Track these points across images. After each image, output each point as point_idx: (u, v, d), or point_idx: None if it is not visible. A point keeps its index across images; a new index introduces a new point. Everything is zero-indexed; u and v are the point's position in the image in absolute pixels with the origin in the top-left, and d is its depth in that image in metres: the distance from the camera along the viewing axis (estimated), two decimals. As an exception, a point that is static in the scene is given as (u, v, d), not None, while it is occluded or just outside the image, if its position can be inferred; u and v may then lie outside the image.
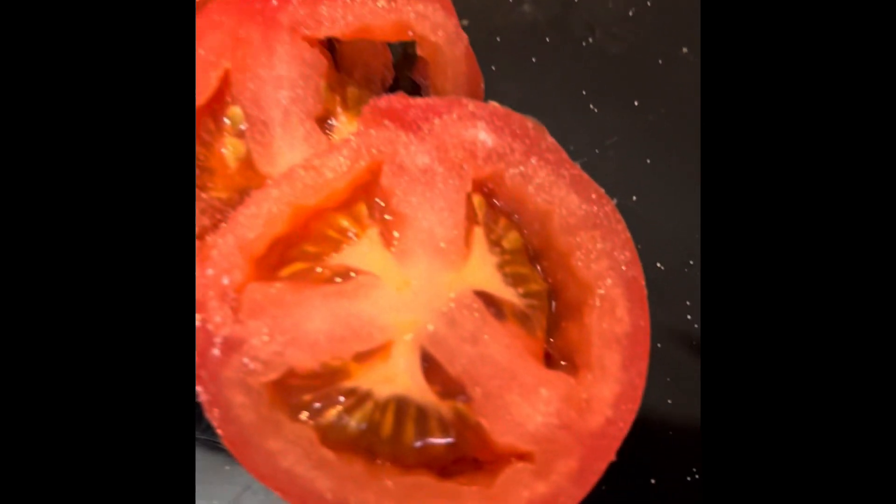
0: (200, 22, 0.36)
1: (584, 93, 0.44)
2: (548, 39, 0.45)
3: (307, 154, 0.37)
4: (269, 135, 0.37)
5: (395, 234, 0.36)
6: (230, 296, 0.33)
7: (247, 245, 0.34)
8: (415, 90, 0.44)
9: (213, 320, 0.32)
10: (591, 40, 0.45)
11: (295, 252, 0.36)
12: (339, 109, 0.40)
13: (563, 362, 0.38)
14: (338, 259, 0.36)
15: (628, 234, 0.37)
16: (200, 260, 0.33)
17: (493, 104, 0.39)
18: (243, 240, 0.34)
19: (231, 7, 0.36)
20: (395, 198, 0.36)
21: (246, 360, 0.33)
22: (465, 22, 0.46)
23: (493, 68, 0.44)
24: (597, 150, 0.43)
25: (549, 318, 0.38)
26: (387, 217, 0.36)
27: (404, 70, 0.44)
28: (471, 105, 0.38)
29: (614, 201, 0.38)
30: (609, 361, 0.35)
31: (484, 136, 0.38)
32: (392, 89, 0.43)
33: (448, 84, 0.40)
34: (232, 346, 0.33)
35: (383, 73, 0.43)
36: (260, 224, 0.34)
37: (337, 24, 0.38)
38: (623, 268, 0.36)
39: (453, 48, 0.39)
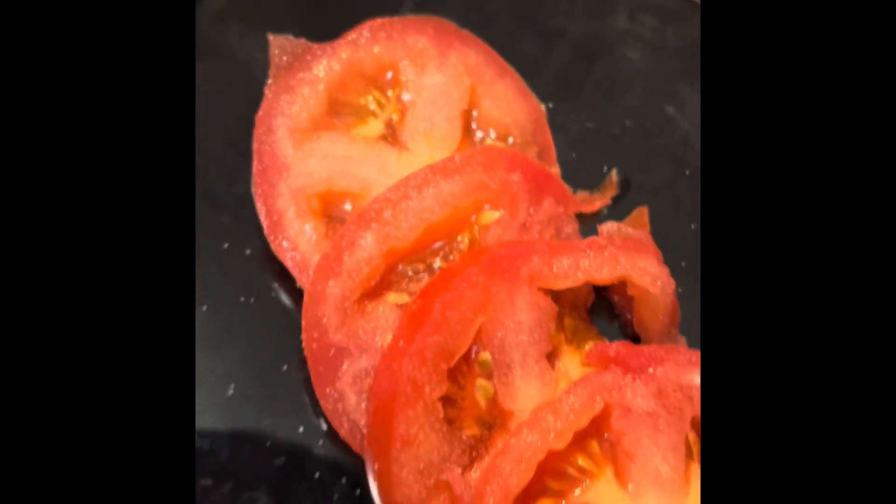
0: (462, 282, 0.41)
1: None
2: (729, 266, 0.50)
3: (541, 390, 0.42)
4: (511, 375, 0.42)
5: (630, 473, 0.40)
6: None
7: (512, 489, 0.38)
8: (606, 308, 0.49)
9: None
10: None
11: (538, 487, 0.41)
12: (562, 345, 0.44)
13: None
14: (584, 497, 0.40)
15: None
16: (467, 501, 0.38)
17: (707, 352, 0.44)
18: (509, 485, 0.38)
19: (484, 268, 0.42)
20: (626, 438, 0.41)
21: None
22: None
23: (680, 290, 0.49)
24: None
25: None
26: (624, 459, 0.40)
27: (602, 291, 0.49)
28: (687, 353, 0.43)
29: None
30: None
31: (699, 380, 0.42)
32: (591, 310, 0.48)
33: (656, 321, 0.45)
34: (504, 585, 0.37)
35: (586, 297, 0.47)
36: (521, 470, 0.39)
37: (568, 278, 0.43)
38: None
39: (665, 294, 0.44)
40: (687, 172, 0.52)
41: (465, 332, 0.41)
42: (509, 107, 0.51)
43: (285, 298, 0.48)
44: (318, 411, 0.46)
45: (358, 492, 0.45)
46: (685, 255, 0.50)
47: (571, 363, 0.45)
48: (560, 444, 0.40)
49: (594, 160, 0.53)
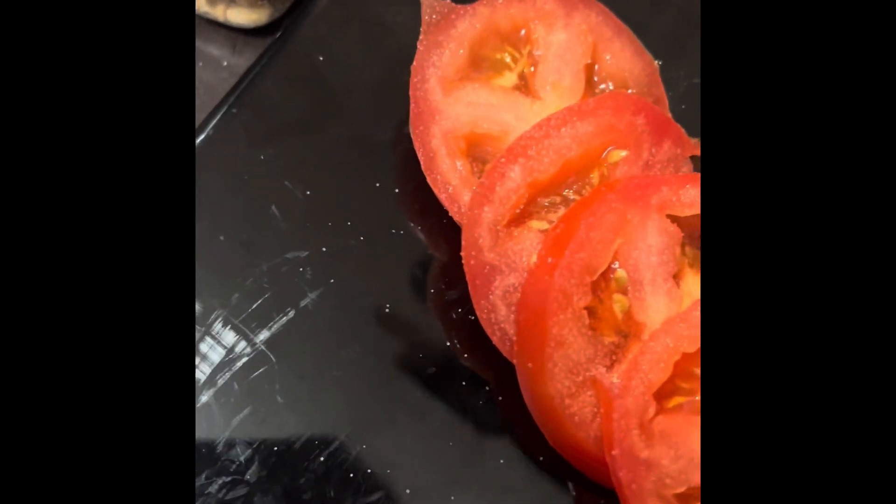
0: (603, 207, 0.46)
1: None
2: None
3: (669, 306, 0.47)
4: (643, 291, 0.47)
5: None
6: (646, 428, 0.42)
7: (651, 387, 0.43)
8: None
9: (638, 447, 0.42)
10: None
11: (671, 387, 0.46)
12: (686, 267, 0.49)
13: None
14: (713, 396, 0.45)
15: None
16: (613, 398, 0.43)
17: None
18: (651, 381, 0.43)
19: (621, 195, 0.47)
20: (748, 346, 0.46)
21: (661, 476, 0.42)
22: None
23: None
24: None
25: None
26: (749, 363, 0.45)
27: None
28: (802, 272, 0.47)
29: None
30: None
31: (814, 297, 0.47)
32: (704, 242, 0.53)
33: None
34: (649, 466, 0.42)
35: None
36: (661, 368, 0.44)
37: (694, 206, 0.47)
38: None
39: (778, 223, 0.49)
40: (789, 121, 0.57)
41: (605, 251, 0.46)
42: (626, 61, 0.55)
43: (427, 232, 0.54)
44: (461, 329, 0.52)
45: (500, 397, 0.50)
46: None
47: (694, 284, 0.49)
48: (692, 348, 0.44)
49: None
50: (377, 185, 0.54)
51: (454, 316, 0.52)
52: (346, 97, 0.56)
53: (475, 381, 0.50)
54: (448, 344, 0.51)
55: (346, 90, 0.56)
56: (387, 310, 0.51)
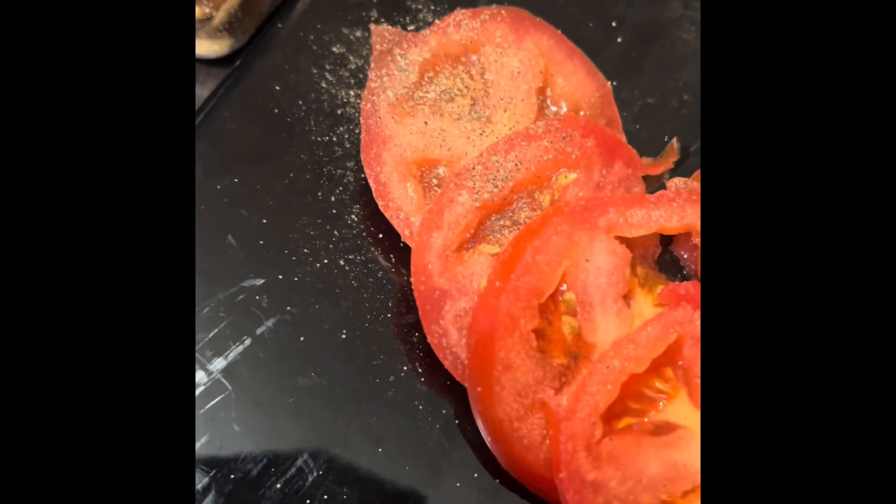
0: (549, 230, 0.46)
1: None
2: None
3: (619, 326, 0.47)
4: (593, 312, 0.46)
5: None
6: (593, 450, 0.42)
7: (598, 408, 0.43)
8: (673, 261, 0.54)
9: (585, 469, 0.41)
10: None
11: (621, 408, 0.45)
12: (636, 287, 0.49)
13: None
14: (661, 416, 0.45)
15: None
16: (559, 421, 0.43)
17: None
18: (597, 402, 0.43)
19: (568, 218, 0.46)
20: (698, 365, 0.45)
21: (608, 499, 0.42)
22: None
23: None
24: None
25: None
26: (697, 382, 0.45)
27: (667, 245, 0.53)
28: (750, 290, 0.47)
29: None
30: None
31: (761, 314, 0.47)
32: (658, 260, 0.53)
33: (719, 266, 0.49)
34: (596, 488, 0.42)
35: (654, 249, 0.52)
36: (608, 390, 0.43)
37: (641, 227, 0.47)
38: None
39: (727, 241, 0.48)
40: (741, 139, 0.57)
41: (552, 274, 0.46)
42: (579, 84, 0.55)
43: (387, 256, 0.54)
44: (418, 353, 0.51)
45: (457, 421, 0.50)
46: (742, 212, 0.55)
47: (645, 304, 0.49)
48: (640, 369, 0.44)
49: (656, 130, 0.57)
50: (333, 211, 0.54)
51: (413, 339, 0.51)
52: (301, 125, 0.56)
53: (432, 404, 0.50)
54: (406, 368, 0.51)
55: (302, 119, 0.56)
56: (343, 335, 0.51)
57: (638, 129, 0.57)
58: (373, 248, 0.53)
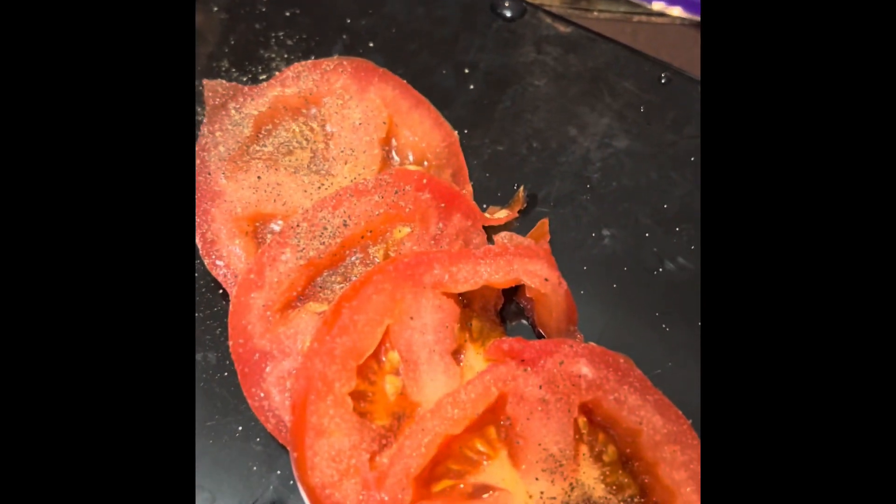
0: (369, 289, 0.45)
1: (656, 314, 0.52)
2: (625, 268, 0.53)
3: (447, 383, 0.46)
4: (417, 371, 0.45)
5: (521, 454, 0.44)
6: (403, 516, 0.41)
7: (411, 470, 0.42)
8: (519, 311, 0.53)
9: (392, 537, 0.40)
10: (660, 270, 0.53)
11: (441, 469, 0.44)
12: (467, 342, 0.48)
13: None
14: (479, 478, 0.44)
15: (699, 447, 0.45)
16: (371, 482, 0.42)
17: (592, 344, 0.47)
18: (408, 467, 0.42)
19: (390, 275, 0.45)
20: (520, 423, 0.44)
21: (416, 567, 0.40)
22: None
23: (582, 292, 0.53)
24: (670, 363, 0.51)
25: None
26: (518, 442, 0.44)
27: (512, 296, 0.53)
28: (574, 345, 0.46)
29: (690, 421, 0.45)
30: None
31: (586, 370, 0.46)
32: (503, 311, 0.52)
33: (551, 319, 0.48)
34: (405, 555, 0.41)
35: (496, 300, 0.51)
36: (421, 453, 0.42)
37: (467, 283, 0.46)
38: (698, 476, 0.44)
39: (556, 294, 0.48)
40: (587, 186, 0.56)
41: (372, 334, 0.45)
42: (424, 134, 0.55)
43: (226, 312, 0.52)
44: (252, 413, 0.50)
45: (291, 482, 0.49)
46: (586, 260, 0.54)
47: (476, 360, 0.48)
48: (457, 430, 0.43)
49: (504, 178, 0.57)
50: (171, 267, 0.53)
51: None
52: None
53: (266, 465, 0.49)
54: (240, 428, 0.49)
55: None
56: (176, 396, 0.49)
57: (487, 178, 0.57)
58: (211, 305, 0.52)
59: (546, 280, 0.47)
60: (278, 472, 0.48)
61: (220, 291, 0.52)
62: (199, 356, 0.50)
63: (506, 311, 0.53)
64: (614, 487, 0.44)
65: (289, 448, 0.45)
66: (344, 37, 0.61)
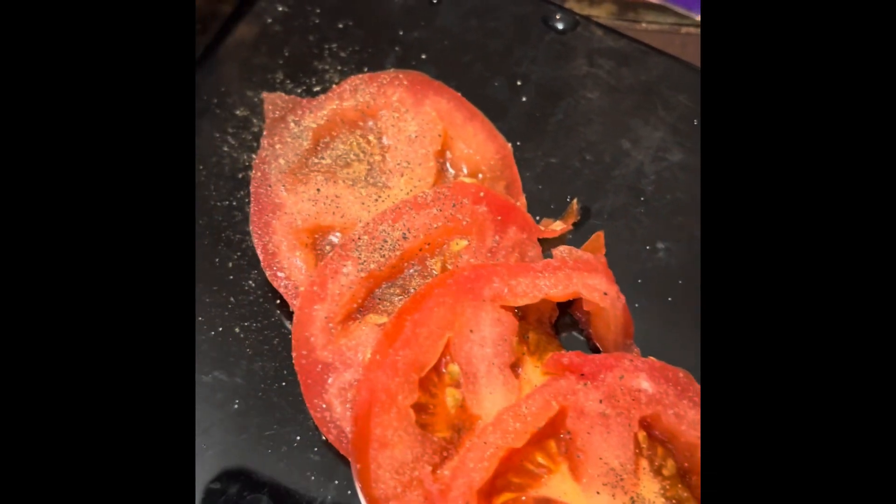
0: (430, 302, 0.45)
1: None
2: (680, 282, 0.53)
3: (505, 396, 0.46)
4: (477, 383, 0.46)
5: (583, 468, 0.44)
6: (467, 528, 0.41)
7: (474, 483, 0.42)
8: (572, 323, 0.53)
9: (457, 550, 0.41)
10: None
11: (502, 482, 0.44)
12: (525, 355, 0.48)
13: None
14: (540, 491, 0.44)
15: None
16: (435, 494, 0.42)
17: (651, 359, 0.47)
18: (472, 480, 0.42)
19: (450, 290, 0.46)
20: (580, 437, 0.44)
21: (481, 580, 0.41)
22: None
23: (636, 305, 0.53)
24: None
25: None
26: (578, 456, 0.44)
27: (566, 308, 0.53)
28: (634, 360, 0.46)
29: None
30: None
31: (646, 384, 0.46)
32: (556, 323, 0.52)
33: (609, 333, 0.48)
34: (469, 568, 0.41)
35: (551, 313, 0.51)
36: (484, 466, 0.42)
37: (526, 296, 0.47)
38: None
39: (615, 308, 0.48)
40: (641, 199, 0.56)
41: (433, 347, 0.45)
42: (478, 147, 0.55)
43: (283, 322, 0.53)
44: (312, 423, 0.50)
45: (349, 492, 0.49)
46: (640, 273, 0.54)
47: (534, 373, 0.48)
48: (519, 443, 0.43)
49: (557, 191, 0.57)
50: (230, 277, 0.53)
51: (306, 410, 0.50)
52: (200, 190, 0.55)
53: (325, 475, 0.49)
54: (298, 438, 0.50)
55: (202, 183, 0.56)
56: (236, 405, 0.50)
57: (540, 190, 0.57)
58: (269, 316, 0.52)
59: (605, 294, 0.47)
60: (336, 482, 0.48)
61: (278, 301, 0.52)
62: (257, 366, 0.51)
63: (559, 323, 0.53)
64: (674, 501, 0.44)
65: (350, 459, 0.46)
66: (396, 49, 0.62)
